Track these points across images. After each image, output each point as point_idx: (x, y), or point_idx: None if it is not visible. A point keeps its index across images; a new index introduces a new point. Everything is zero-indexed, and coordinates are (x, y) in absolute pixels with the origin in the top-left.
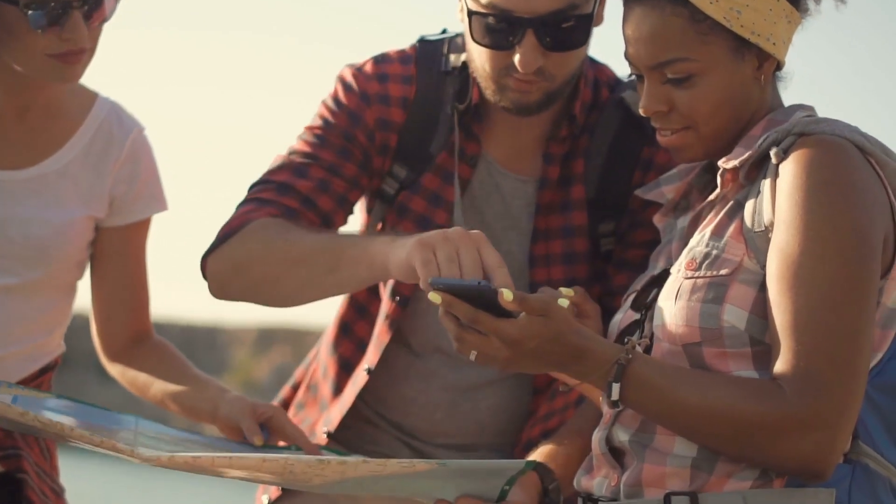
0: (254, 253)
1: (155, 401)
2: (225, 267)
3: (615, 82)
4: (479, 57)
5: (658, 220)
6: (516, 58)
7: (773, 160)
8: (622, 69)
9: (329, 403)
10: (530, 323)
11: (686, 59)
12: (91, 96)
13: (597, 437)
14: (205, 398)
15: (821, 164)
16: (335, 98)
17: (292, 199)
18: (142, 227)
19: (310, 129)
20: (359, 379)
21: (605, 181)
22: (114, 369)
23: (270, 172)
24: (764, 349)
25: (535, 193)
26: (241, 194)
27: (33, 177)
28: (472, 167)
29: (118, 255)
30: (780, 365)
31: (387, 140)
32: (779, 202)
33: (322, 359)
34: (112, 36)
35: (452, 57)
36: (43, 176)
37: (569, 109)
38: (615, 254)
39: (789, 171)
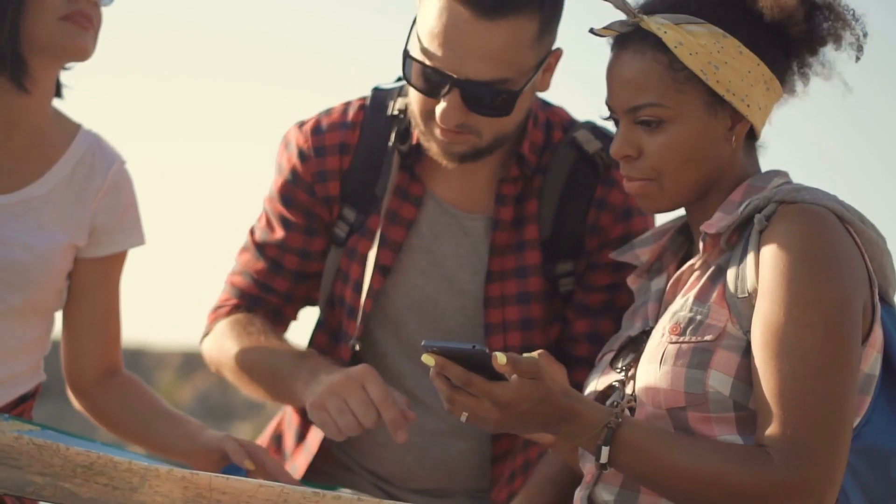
0: (218, 360)
1: (125, 436)
2: (209, 361)
3: (569, 124)
4: (412, 94)
5: (632, 281)
6: (438, 108)
7: (756, 227)
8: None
9: (292, 452)
10: (522, 385)
11: (659, 104)
12: (74, 126)
13: (579, 495)
14: (181, 434)
15: (804, 234)
16: (278, 164)
17: (253, 286)
18: (118, 259)
19: (266, 200)
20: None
21: (560, 221)
22: (81, 402)
23: (238, 257)
24: (747, 414)
25: (489, 233)
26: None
27: (15, 201)
28: (416, 206)
29: (94, 287)
30: (767, 432)
31: (327, 190)
32: (762, 271)
33: (287, 409)
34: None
35: (399, 101)
36: (25, 201)
37: (517, 149)
38: (575, 297)
39: (773, 240)
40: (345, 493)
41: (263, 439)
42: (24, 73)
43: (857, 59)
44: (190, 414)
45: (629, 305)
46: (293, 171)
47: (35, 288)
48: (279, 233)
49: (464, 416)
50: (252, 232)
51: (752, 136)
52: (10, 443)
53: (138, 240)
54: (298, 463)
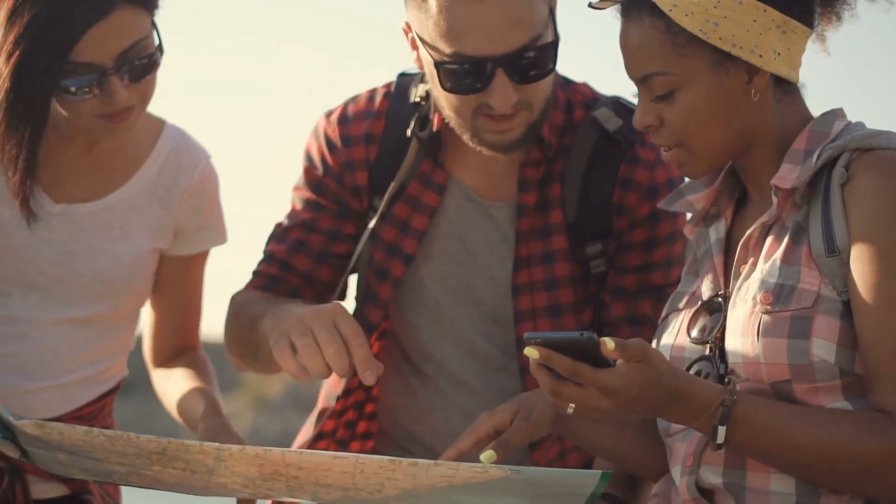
0: (230, 333)
1: (170, 407)
2: (229, 346)
3: (591, 101)
4: (448, 104)
5: (689, 231)
6: (490, 98)
7: (837, 181)
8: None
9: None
10: (630, 370)
11: (664, 73)
12: (158, 124)
13: (683, 482)
14: (192, 420)
15: (891, 186)
16: (307, 152)
17: (272, 265)
18: (201, 256)
19: (294, 189)
20: (327, 409)
21: (585, 203)
22: (154, 375)
23: (266, 243)
24: (853, 380)
25: (514, 220)
26: (266, 210)
27: (101, 209)
28: (439, 194)
29: (175, 282)
30: (886, 397)
31: (355, 180)
32: (853, 228)
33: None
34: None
35: (421, 88)
36: (111, 208)
37: (537, 133)
38: (609, 280)
39: (858, 195)
40: (421, 460)
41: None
42: None
43: None
44: (279, 406)
45: (664, 285)
46: (322, 161)
47: (122, 296)
48: (306, 214)
49: (570, 408)
50: (278, 224)
51: (785, 81)
52: (81, 437)
53: (220, 239)
54: (299, 440)
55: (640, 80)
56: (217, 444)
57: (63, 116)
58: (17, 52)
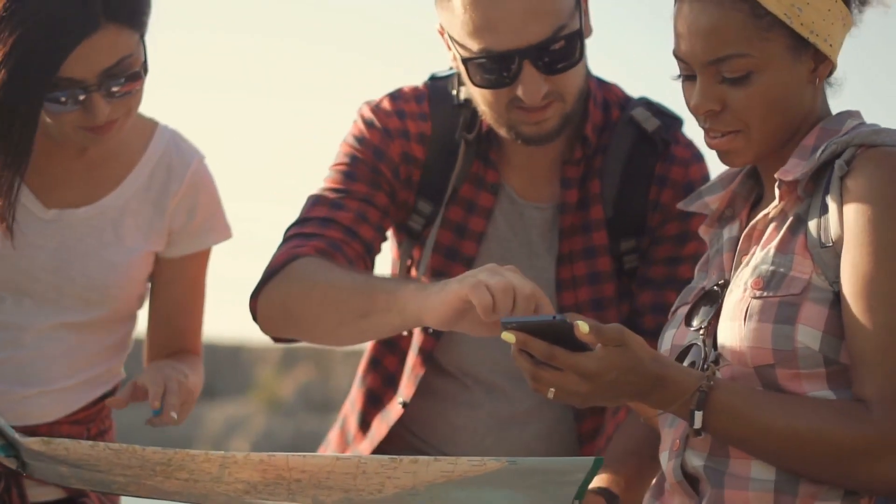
0: (296, 293)
1: None
2: (273, 308)
3: (625, 101)
4: (483, 100)
5: (704, 231)
6: (519, 91)
7: (837, 173)
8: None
9: (354, 436)
10: (608, 354)
11: (745, 55)
12: (150, 126)
13: (670, 465)
14: None
15: (888, 179)
16: (357, 136)
17: (335, 230)
18: (199, 256)
19: (336, 166)
20: (392, 413)
21: (622, 200)
22: None
23: (308, 210)
24: (838, 369)
25: (556, 219)
26: (279, 209)
27: (94, 214)
28: (493, 195)
29: (172, 282)
30: (865, 386)
31: (410, 174)
32: (848, 219)
33: (352, 393)
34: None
35: (462, 90)
36: (103, 213)
37: (580, 131)
38: (638, 272)
39: (856, 187)
40: (421, 457)
41: (335, 428)
42: None
43: None
44: (291, 407)
45: (691, 279)
46: (379, 148)
47: (116, 301)
48: (363, 189)
49: (550, 393)
50: (321, 195)
51: (829, 74)
52: (86, 451)
53: (221, 236)
54: (362, 448)
55: (712, 63)
56: (222, 452)
57: (51, 124)
58: (2, 70)
